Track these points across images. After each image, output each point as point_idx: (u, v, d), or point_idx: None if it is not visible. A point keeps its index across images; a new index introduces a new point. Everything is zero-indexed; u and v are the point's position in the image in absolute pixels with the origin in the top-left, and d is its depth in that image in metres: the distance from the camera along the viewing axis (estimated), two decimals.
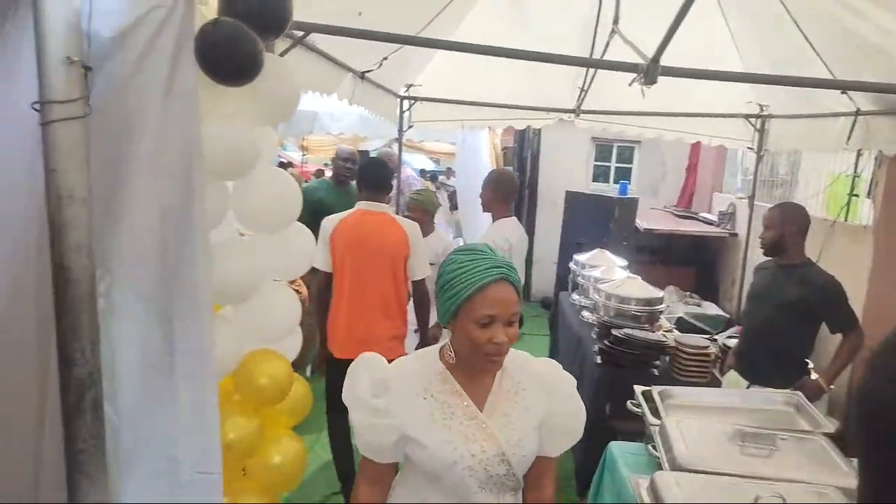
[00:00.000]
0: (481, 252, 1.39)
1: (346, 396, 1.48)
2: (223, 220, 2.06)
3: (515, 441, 1.41)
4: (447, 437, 1.38)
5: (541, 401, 1.47)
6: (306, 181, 8.34)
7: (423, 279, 3.31)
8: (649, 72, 2.36)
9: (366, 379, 1.44)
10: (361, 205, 3.29)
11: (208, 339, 2.00)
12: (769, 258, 3.04)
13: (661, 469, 1.83)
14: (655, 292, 3.74)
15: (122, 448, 1.95)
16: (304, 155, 10.90)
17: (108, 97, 1.73)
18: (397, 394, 1.41)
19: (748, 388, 2.89)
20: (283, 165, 10.41)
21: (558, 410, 1.48)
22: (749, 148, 5.24)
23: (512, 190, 3.62)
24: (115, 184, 1.82)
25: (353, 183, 5.00)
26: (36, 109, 1.59)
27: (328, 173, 11.68)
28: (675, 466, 1.73)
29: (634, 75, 2.46)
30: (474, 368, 1.44)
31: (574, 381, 1.58)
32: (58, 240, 1.63)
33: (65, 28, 1.58)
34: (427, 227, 4.10)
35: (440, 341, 1.60)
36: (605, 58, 3.98)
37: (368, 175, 3.38)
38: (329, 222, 3.24)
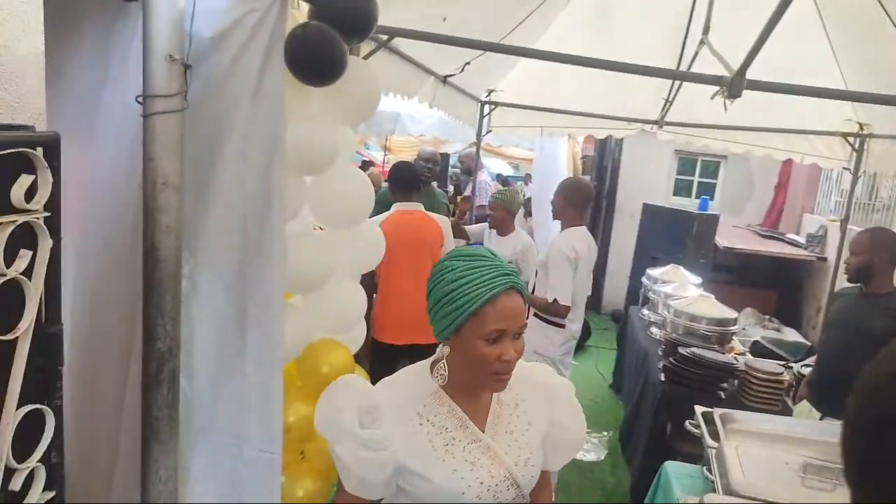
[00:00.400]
0: (485, 257, 1.21)
1: (327, 427, 1.30)
2: (299, 213, 2.17)
3: (524, 461, 1.28)
4: (451, 466, 1.22)
5: (542, 411, 1.34)
6: (386, 180, 8.54)
7: None
8: (733, 85, 2.30)
9: (350, 407, 1.24)
10: (398, 206, 3.59)
11: (278, 325, 2.11)
12: (852, 285, 2.89)
13: (715, 493, 1.79)
14: (728, 313, 3.62)
15: (193, 420, 2.09)
16: (385, 155, 11.13)
17: (203, 93, 1.87)
18: (389, 421, 1.23)
19: (821, 419, 2.76)
20: (365, 164, 10.68)
21: (560, 421, 1.36)
22: (845, 168, 4.96)
23: (585, 199, 3.57)
24: (205, 174, 1.96)
25: (435, 184, 5.13)
26: (139, 102, 1.74)
27: None
28: (729, 492, 1.69)
29: (717, 88, 2.39)
30: (473, 386, 1.27)
31: (572, 386, 1.45)
32: (150, 222, 1.78)
33: (169, 28, 1.72)
34: (507, 227, 4.26)
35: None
36: (694, 68, 3.88)
37: (399, 178, 3.67)
38: None
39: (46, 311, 1.34)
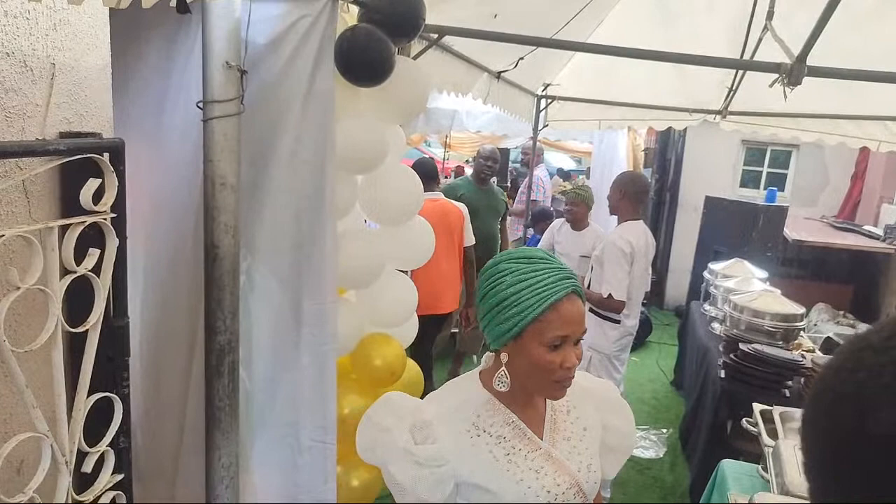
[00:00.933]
0: (545, 259, 1.15)
1: (375, 450, 1.22)
2: (351, 211, 2.23)
3: (586, 467, 1.23)
4: (516, 476, 1.16)
5: (593, 417, 1.29)
6: (446, 177, 8.61)
7: (472, 245, 4.31)
8: (793, 73, 2.22)
9: (399, 425, 1.17)
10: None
11: (332, 319, 2.19)
12: None
13: (771, 493, 1.74)
14: (795, 308, 3.47)
15: (252, 410, 2.19)
16: (446, 151, 11.19)
17: (258, 97, 1.95)
18: (444, 435, 1.15)
19: None
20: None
21: (613, 424, 1.32)
22: None
23: (641, 192, 3.49)
24: (260, 175, 2.05)
25: (494, 181, 5.17)
26: (199, 108, 1.84)
27: (468, 170, 11.94)
28: (784, 491, 1.64)
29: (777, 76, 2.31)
30: (528, 394, 1.22)
31: (615, 387, 1.41)
32: (210, 221, 1.88)
33: (226, 36, 1.81)
34: (583, 222, 4.45)
35: (479, 361, 1.32)
36: (758, 56, 3.74)
37: (421, 172, 3.82)
38: None
39: (114, 306, 1.44)
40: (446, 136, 10.41)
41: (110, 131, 1.49)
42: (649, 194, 3.72)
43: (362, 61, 1.95)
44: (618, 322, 3.33)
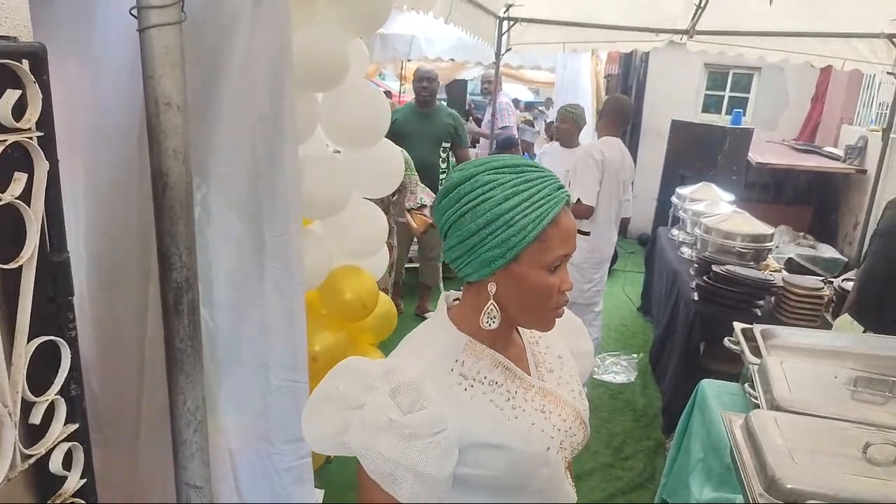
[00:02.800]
0: (534, 167, 0.97)
1: (351, 432, 0.95)
2: (313, 133, 2.06)
3: (578, 394, 1.12)
4: (527, 422, 1.01)
5: (561, 343, 1.16)
6: None
7: None
8: None
9: (377, 395, 0.95)
10: None
11: (296, 252, 2.04)
12: None
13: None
14: (764, 228, 3.47)
15: (217, 351, 2.06)
16: (402, 84, 10.82)
17: (202, 3, 1.73)
18: (434, 394, 0.95)
19: (864, 332, 2.64)
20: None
21: (577, 349, 1.20)
22: (889, 73, 4.66)
23: (619, 114, 3.62)
24: (209, 93, 1.84)
25: (440, 103, 4.93)
26: (133, 15, 1.61)
27: None
28: (774, 407, 1.61)
29: None
30: (509, 328, 1.05)
31: (566, 310, 1.17)
32: (156, 146, 1.68)
33: None
34: (574, 140, 4.58)
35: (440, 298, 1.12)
36: None
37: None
38: None
39: (50, 239, 1.27)
40: (402, 68, 10.04)
41: (28, 36, 1.28)
42: (629, 117, 3.82)
43: None
44: (587, 234, 3.35)
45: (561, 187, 0.96)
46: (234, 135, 1.87)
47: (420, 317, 4.68)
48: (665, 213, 4.88)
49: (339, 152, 2.19)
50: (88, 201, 1.84)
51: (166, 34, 1.62)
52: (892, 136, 4.90)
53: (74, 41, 1.79)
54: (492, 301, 0.98)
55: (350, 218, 2.13)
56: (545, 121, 8.78)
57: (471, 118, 7.96)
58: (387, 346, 2.44)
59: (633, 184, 3.80)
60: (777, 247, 5.44)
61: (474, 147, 7.02)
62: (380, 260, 2.37)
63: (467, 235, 0.95)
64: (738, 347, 2.09)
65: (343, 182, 2.05)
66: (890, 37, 4.49)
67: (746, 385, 1.93)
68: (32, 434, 1.28)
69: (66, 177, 1.78)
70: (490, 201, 0.93)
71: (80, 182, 1.82)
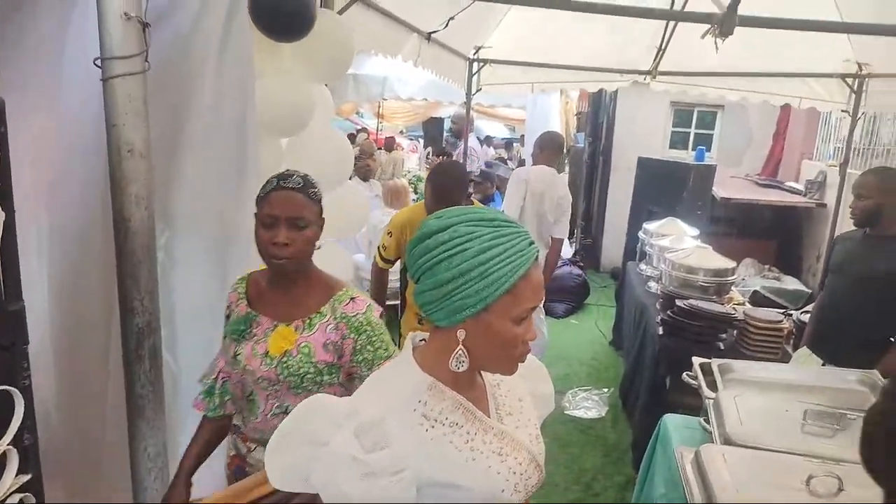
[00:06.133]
0: (507, 222, 1.02)
1: (314, 468, 0.99)
2: None
3: (535, 438, 1.15)
4: (483, 464, 1.03)
5: (521, 385, 1.20)
6: (379, 148, 8.41)
7: None
8: (724, 22, 2.20)
9: (341, 432, 0.98)
10: None
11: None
12: (854, 229, 2.82)
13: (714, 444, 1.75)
14: (726, 263, 3.56)
15: (180, 396, 2.05)
16: (379, 122, 10.96)
17: (166, 54, 1.77)
18: (396, 434, 0.98)
19: (823, 365, 2.71)
20: (359, 132, 10.52)
21: (537, 391, 1.24)
22: (843, 111, 4.85)
23: (554, 146, 4.12)
24: (173, 140, 1.88)
25: None
26: (97, 66, 1.65)
27: (401, 141, 11.74)
28: (726, 441, 1.65)
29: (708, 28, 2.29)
30: (472, 372, 1.08)
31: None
32: (118, 192, 1.70)
33: None
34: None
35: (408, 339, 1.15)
36: (688, 9, 3.76)
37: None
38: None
39: (5, 289, 1.28)
40: (379, 106, 10.19)
41: None
42: (563, 149, 4.49)
43: (280, 13, 1.81)
44: None
45: (532, 243, 1.01)
46: (198, 178, 1.90)
47: None
48: (634, 248, 4.97)
49: None
50: (53, 248, 1.84)
51: (130, 84, 1.65)
52: (848, 170, 5.08)
53: (40, 90, 1.82)
54: (461, 346, 1.01)
55: (314, 259, 2.15)
56: (519, 158, 8.95)
57: (445, 155, 8.06)
58: None
59: (569, 208, 4.13)
60: (743, 279, 5.56)
61: None
62: None
63: (442, 283, 0.98)
64: (695, 382, 2.13)
65: None
66: (843, 76, 4.69)
67: (703, 420, 1.97)
68: None
69: (30, 222, 1.80)
70: (466, 252, 0.97)
71: (44, 229, 1.83)
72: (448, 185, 2.41)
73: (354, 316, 1.58)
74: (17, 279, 1.29)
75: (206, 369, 1.76)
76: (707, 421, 1.89)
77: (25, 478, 1.33)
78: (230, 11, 1.79)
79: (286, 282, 1.62)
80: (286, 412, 1.53)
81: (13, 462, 1.30)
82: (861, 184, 2.67)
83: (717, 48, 2.27)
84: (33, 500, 1.36)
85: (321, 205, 1.62)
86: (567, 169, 8.44)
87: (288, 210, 1.52)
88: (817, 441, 1.66)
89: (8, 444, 1.29)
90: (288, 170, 1.60)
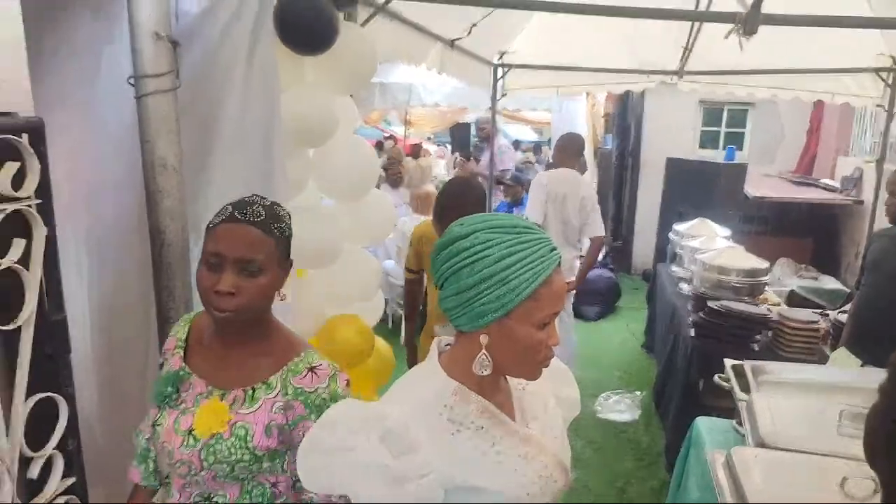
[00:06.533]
0: (530, 228, 1.03)
1: (340, 472, 1.00)
2: (305, 187, 2.14)
3: (561, 443, 1.15)
4: (510, 467, 1.04)
5: (547, 390, 1.20)
6: (407, 154, 8.47)
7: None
8: (748, 21, 2.18)
9: (367, 438, 0.98)
10: None
11: (292, 303, 2.10)
12: (891, 226, 2.75)
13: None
14: (759, 263, 3.50)
15: None
16: (406, 129, 11.04)
17: (195, 71, 1.83)
18: (423, 438, 0.99)
19: (862, 366, 2.65)
20: (386, 139, 10.61)
21: (563, 395, 1.24)
22: (878, 106, 4.74)
23: (574, 148, 4.14)
24: (204, 153, 1.93)
25: None
26: (131, 84, 1.71)
27: (430, 147, 11.80)
28: (760, 443, 1.63)
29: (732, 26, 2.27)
30: (497, 376, 1.09)
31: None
32: (153, 205, 1.76)
33: (154, 4, 1.68)
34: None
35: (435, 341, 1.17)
36: (712, 10, 3.72)
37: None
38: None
39: (49, 300, 1.33)
40: (406, 113, 10.26)
41: (29, 110, 1.36)
42: (582, 150, 4.43)
43: (303, 27, 1.85)
44: None
45: (554, 249, 1.02)
46: (228, 190, 1.94)
47: None
48: (665, 249, 4.92)
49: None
50: (91, 260, 1.91)
51: (162, 101, 1.71)
52: (885, 166, 4.95)
53: (76, 106, 1.89)
54: (484, 351, 1.03)
55: (343, 266, 2.19)
56: (548, 161, 8.92)
57: (472, 159, 8.08)
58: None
59: (595, 207, 4.09)
60: (779, 279, 5.44)
61: None
62: (375, 306, 2.42)
63: (464, 289, 1.00)
64: (728, 384, 2.10)
65: (334, 234, 2.12)
66: (877, 70, 4.57)
67: (735, 423, 1.95)
68: (30, 488, 1.32)
69: (69, 236, 1.87)
70: (487, 259, 0.98)
71: (82, 242, 1.90)
72: (456, 206, 2.15)
73: (314, 391, 1.26)
74: (59, 291, 1.35)
75: (143, 420, 1.45)
76: (740, 423, 1.87)
77: (70, 481, 1.38)
78: (256, 27, 1.84)
79: (230, 339, 1.31)
80: (210, 502, 1.30)
81: (58, 466, 1.35)
82: (893, 180, 2.62)
83: (741, 47, 2.24)
84: (77, 502, 1.41)
85: (288, 244, 1.31)
86: (596, 171, 8.38)
87: (237, 250, 1.21)
88: (853, 442, 1.63)
89: (53, 449, 1.34)
90: (254, 196, 1.31)
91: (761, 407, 1.79)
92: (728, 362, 2.22)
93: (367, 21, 2.46)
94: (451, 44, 3.91)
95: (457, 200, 2.27)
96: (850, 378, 2.14)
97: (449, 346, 1.14)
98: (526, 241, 1.00)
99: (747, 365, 2.18)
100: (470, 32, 3.91)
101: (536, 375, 1.08)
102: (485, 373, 1.03)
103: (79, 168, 1.89)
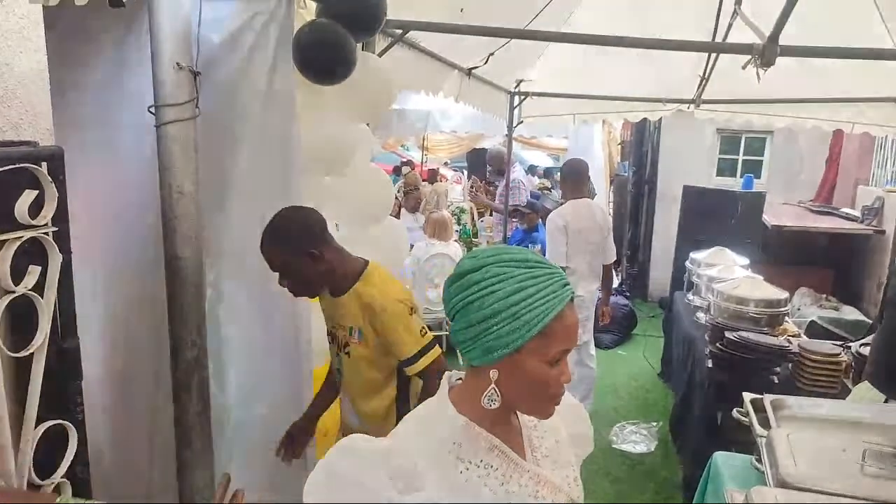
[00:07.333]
0: (541, 263, 1.02)
1: None
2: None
3: (573, 480, 1.13)
4: None
5: (559, 426, 1.17)
6: (424, 180, 8.51)
7: None
8: (765, 53, 2.17)
9: (376, 474, 0.98)
10: None
11: (306, 328, 2.10)
12: None
13: (766, 485, 1.68)
14: (778, 293, 3.44)
15: (229, 426, 2.09)
16: (424, 154, 11.11)
17: (214, 99, 1.86)
18: (432, 477, 0.98)
19: (885, 402, 2.58)
20: (403, 164, 10.68)
21: (575, 432, 1.22)
22: None
23: (578, 175, 4.05)
24: (221, 180, 1.95)
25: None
26: (151, 113, 1.74)
27: (446, 172, 11.84)
28: (780, 482, 1.58)
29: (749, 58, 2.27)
30: (507, 412, 1.07)
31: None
32: (170, 231, 1.78)
33: (176, 36, 1.71)
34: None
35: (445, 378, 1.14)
36: (729, 41, 3.72)
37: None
38: None
39: (61, 327, 1.34)
40: (423, 138, 10.34)
41: (50, 139, 1.39)
42: (587, 174, 4.26)
43: (322, 58, 1.87)
44: None
45: (566, 285, 1.00)
46: (245, 218, 1.96)
47: None
48: (682, 278, 4.87)
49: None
50: (106, 287, 1.92)
51: (181, 129, 1.74)
52: None
53: (96, 133, 1.92)
54: (493, 386, 1.01)
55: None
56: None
57: (486, 193, 8.08)
58: None
59: (610, 231, 4.12)
60: (799, 309, 5.36)
61: (492, 216, 7.13)
62: None
63: (474, 322, 0.98)
64: (746, 419, 2.05)
65: None
66: None
67: (754, 458, 1.90)
68: None
69: (84, 260, 1.89)
70: (498, 293, 0.97)
71: (97, 268, 1.91)
72: None
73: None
74: (72, 317, 1.36)
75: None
76: (759, 460, 1.82)
77: None
78: (275, 58, 1.87)
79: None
80: None
81: (67, 493, 1.35)
82: None
83: (759, 78, 2.23)
84: None
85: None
86: (612, 197, 8.35)
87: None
88: (878, 483, 1.58)
89: (62, 477, 1.33)
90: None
91: (781, 443, 1.74)
92: (747, 396, 2.17)
93: (384, 51, 2.49)
94: (469, 73, 3.94)
95: None
96: (871, 414, 2.08)
97: (460, 381, 1.12)
98: (537, 275, 0.99)
99: (766, 399, 2.13)
100: (487, 61, 3.94)
101: (547, 413, 1.05)
102: (493, 406, 1.01)
103: (95, 195, 1.92)
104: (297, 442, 2.03)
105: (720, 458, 2.19)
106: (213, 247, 1.82)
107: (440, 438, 1.03)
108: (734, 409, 2.17)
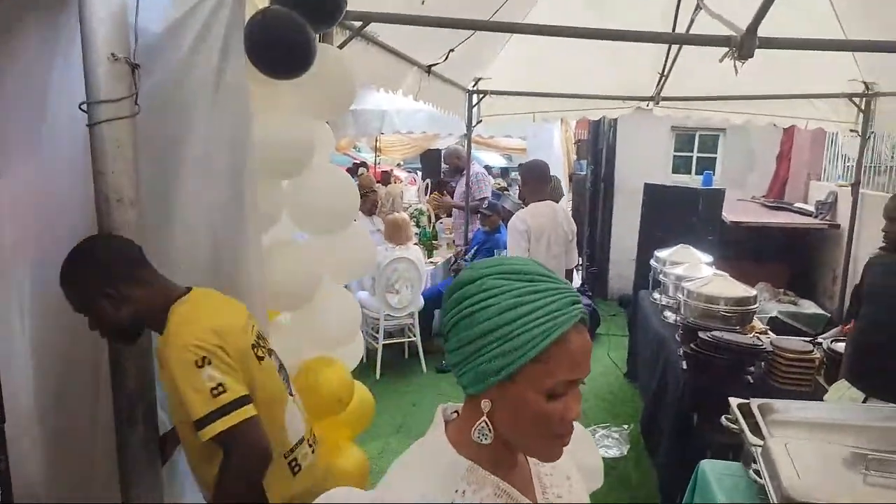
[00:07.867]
0: (546, 276, 0.87)
1: None
2: (278, 221, 1.97)
3: None
4: None
5: (568, 461, 1.03)
6: (378, 181, 8.31)
7: None
8: (744, 44, 2.10)
9: None
10: None
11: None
12: (884, 253, 2.68)
13: (766, 498, 1.59)
14: (747, 291, 3.41)
15: (180, 455, 1.89)
16: (377, 156, 10.93)
17: (156, 95, 1.66)
18: None
19: (864, 401, 2.55)
20: (357, 166, 10.46)
21: (584, 464, 1.10)
22: (852, 131, 4.77)
23: (539, 176, 3.86)
24: (165, 186, 1.75)
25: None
26: (83, 110, 1.53)
27: (400, 174, 11.67)
28: (785, 498, 1.49)
29: (726, 51, 2.19)
30: (512, 449, 0.93)
31: None
32: None
33: (110, 23, 1.51)
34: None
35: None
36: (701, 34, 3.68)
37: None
38: None
39: None
40: (376, 140, 10.14)
41: None
42: (547, 175, 4.00)
43: (277, 48, 1.70)
44: None
45: (576, 303, 0.85)
46: (191, 228, 1.77)
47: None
48: (644, 276, 4.83)
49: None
50: (36, 307, 1.70)
51: (118, 129, 1.54)
52: (861, 190, 4.97)
53: (21, 137, 1.69)
54: (485, 418, 0.86)
55: (320, 306, 2.02)
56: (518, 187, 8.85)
57: (445, 193, 7.96)
58: (365, 438, 2.28)
59: (574, 235, 3.99)
60: (760, 306, 5.40)
61: (449, 217, 7.00)
62: (355, 348, 2.24)
63: (465, 342, 0.85)
64: (736, 426, 1.97)
65: (311, 270, 1.94)
66: (850, 96, 4.61)
67: (751, 470, 1.81)
68: None
69: (12, 281, 1.66)
70: (492, 309, 0.83)
71: (26, 287, 1.69)
72: None
73: None
74: None
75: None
76: (756, 472, 1.73)
77: None
78: (224, 49, 1.68)
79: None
80: None
81: None
82: (892, 207, 2.56)
83: (736, 71, 2.16)
84: None
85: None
86: (570, 196, 8.34)
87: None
88: (883, 493, 1.50)
89: None
90: None
91: (779, 454, 1.66)
92: (734, 401, 2.09)
93: (343, 45, 2.32)
94: (428, 70, 3.80)
95: None
96: (863, 416, 2.03)
97: (455, 414, 0.97)
98: (539, 290, 0.84)
99: (754, 404, 2.05)
100: (447, 58, 3.81)
101: (551, 455, 0.89)
102: (484, 441, 0.87)
103: (25, 207, 1.69)
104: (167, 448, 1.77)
105: (708, 466, 2.11)
106: (154, 261, 1.62)
107: (441, 487, 0.87)
108: (723, 417, 2.08)
